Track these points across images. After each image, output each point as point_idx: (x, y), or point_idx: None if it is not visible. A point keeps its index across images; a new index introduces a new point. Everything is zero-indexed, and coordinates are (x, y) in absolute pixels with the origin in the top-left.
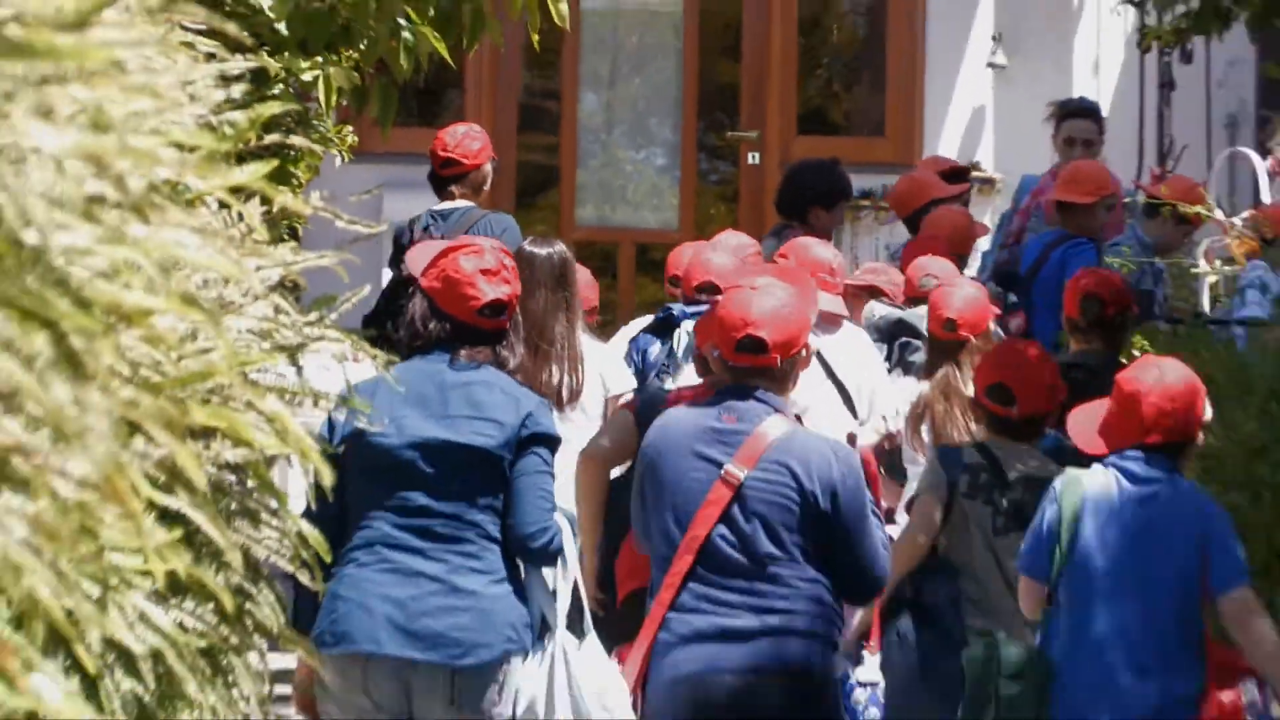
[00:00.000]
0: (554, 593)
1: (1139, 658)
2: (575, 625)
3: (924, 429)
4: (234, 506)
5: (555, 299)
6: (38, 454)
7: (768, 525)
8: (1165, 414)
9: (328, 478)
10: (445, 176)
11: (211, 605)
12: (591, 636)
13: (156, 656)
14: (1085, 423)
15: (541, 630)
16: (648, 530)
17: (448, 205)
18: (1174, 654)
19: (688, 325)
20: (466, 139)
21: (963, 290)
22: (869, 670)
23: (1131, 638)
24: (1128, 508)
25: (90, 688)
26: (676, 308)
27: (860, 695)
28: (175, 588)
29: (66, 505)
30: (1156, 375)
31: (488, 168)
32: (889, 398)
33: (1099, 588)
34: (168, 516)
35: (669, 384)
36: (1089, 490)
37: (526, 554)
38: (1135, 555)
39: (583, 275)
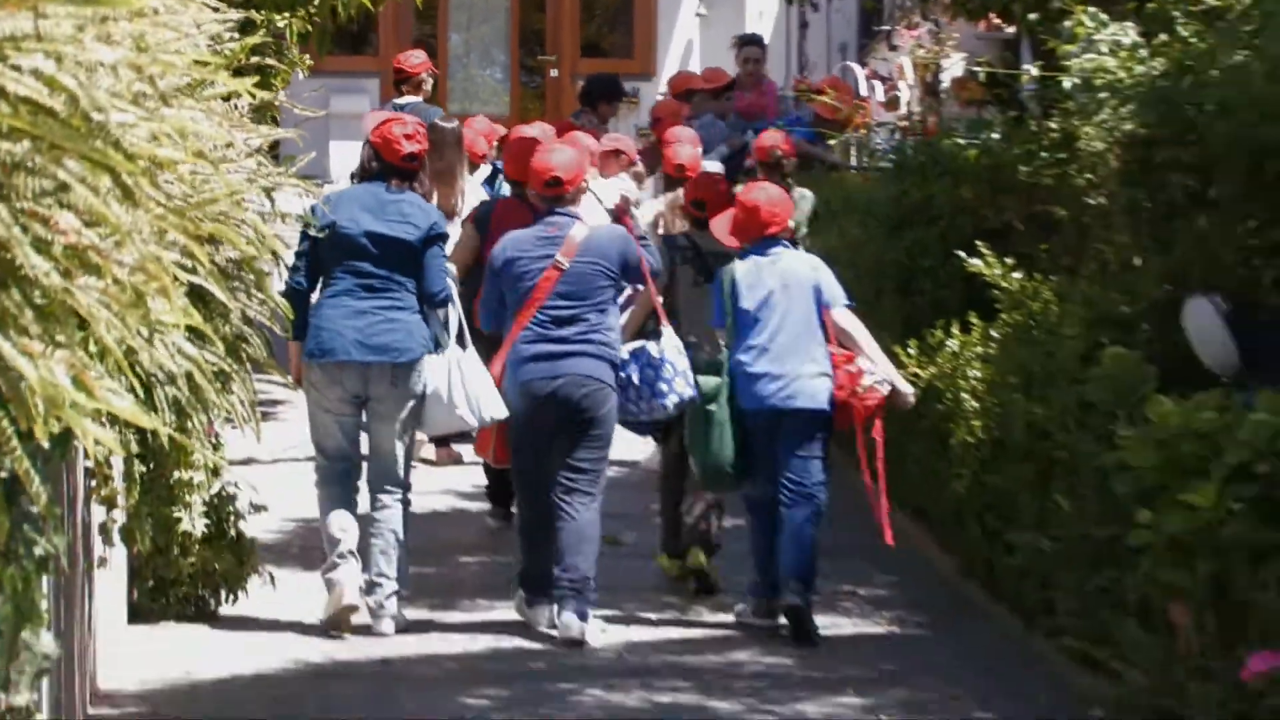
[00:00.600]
0: (446, 322)
1: (788, 354)
2: (460, 342)
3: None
4: (235, 284)
5: (456, 155)
6: (104, 251)
7: (583, 291)
8: (775, 214)
9: (288, 257)
10: (398, 80)
11: (221, 345)
12: (471, 350)
13: (189, 376)
14: (722, 226)
15: (435, 344)
16: (501, 300)
17: (403, 100)
18: (809, 350)
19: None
20: (411, 56)
21: (686, 148)
22: (668, 336)
23: (781, 344)
24: (765, 270)
25: (147, 396)
26: (499, 163)
27: (671, 354)
28: (200, 335)
29: (123, 283)
30: (764, 193)
31: (424, 75)
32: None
33: (756, 318)
34: (195, 290)
35: None
36: (738, 269)
37: (431, 302)
38: (778, 296)
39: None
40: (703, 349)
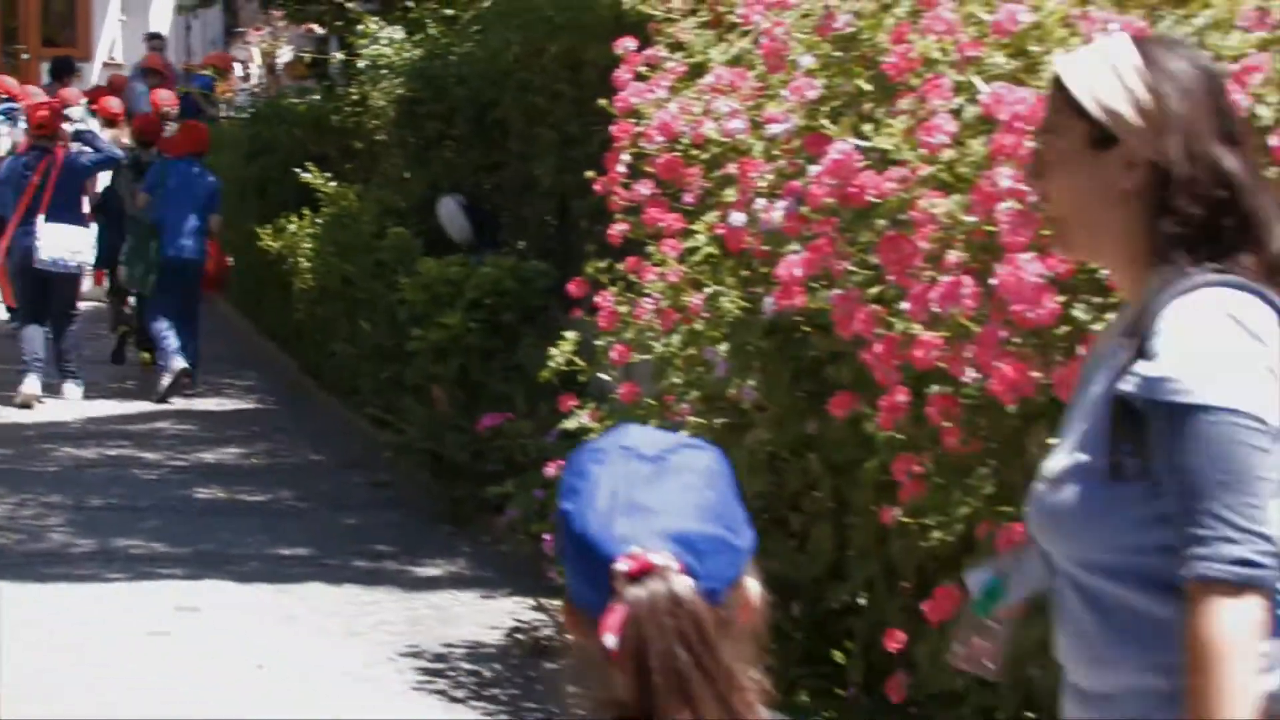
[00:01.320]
0: None
1: (187, 228)
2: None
3: None
4: None
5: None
6: None
7: (70, 187)
8: (197, 139)
9: None
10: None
11: None
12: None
13: None
14: (169, 146)
15: None
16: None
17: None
18: (198, 228)
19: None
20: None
21: (114, 101)
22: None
23: (185, 221)
24: (182, 172)
25: None
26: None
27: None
28: None
29: None
30: (193, 129)
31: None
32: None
33: (169, 201)
34: None
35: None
36: (167, 169)
37: None
38: (183, 190)
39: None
40: (140, 219)
